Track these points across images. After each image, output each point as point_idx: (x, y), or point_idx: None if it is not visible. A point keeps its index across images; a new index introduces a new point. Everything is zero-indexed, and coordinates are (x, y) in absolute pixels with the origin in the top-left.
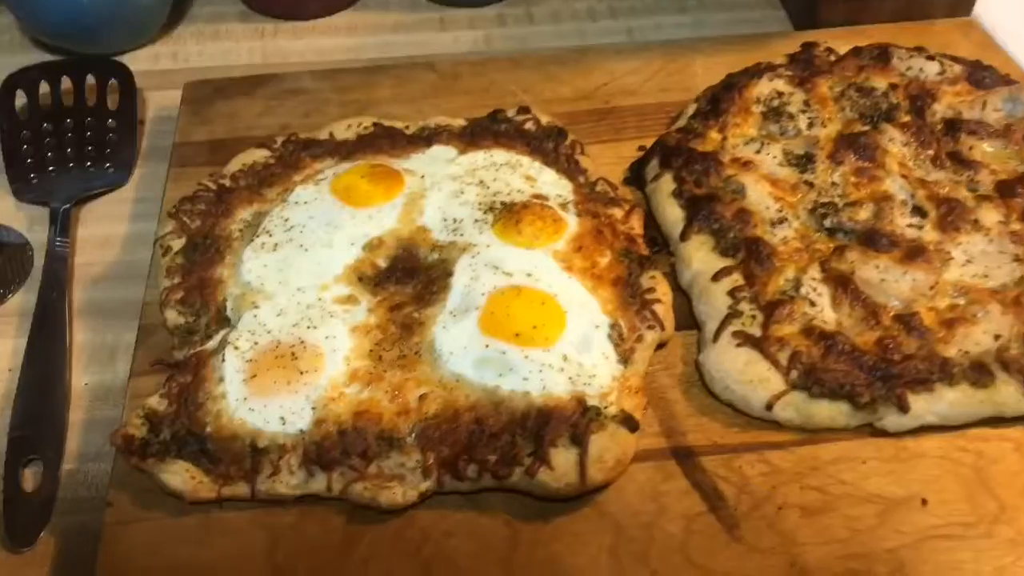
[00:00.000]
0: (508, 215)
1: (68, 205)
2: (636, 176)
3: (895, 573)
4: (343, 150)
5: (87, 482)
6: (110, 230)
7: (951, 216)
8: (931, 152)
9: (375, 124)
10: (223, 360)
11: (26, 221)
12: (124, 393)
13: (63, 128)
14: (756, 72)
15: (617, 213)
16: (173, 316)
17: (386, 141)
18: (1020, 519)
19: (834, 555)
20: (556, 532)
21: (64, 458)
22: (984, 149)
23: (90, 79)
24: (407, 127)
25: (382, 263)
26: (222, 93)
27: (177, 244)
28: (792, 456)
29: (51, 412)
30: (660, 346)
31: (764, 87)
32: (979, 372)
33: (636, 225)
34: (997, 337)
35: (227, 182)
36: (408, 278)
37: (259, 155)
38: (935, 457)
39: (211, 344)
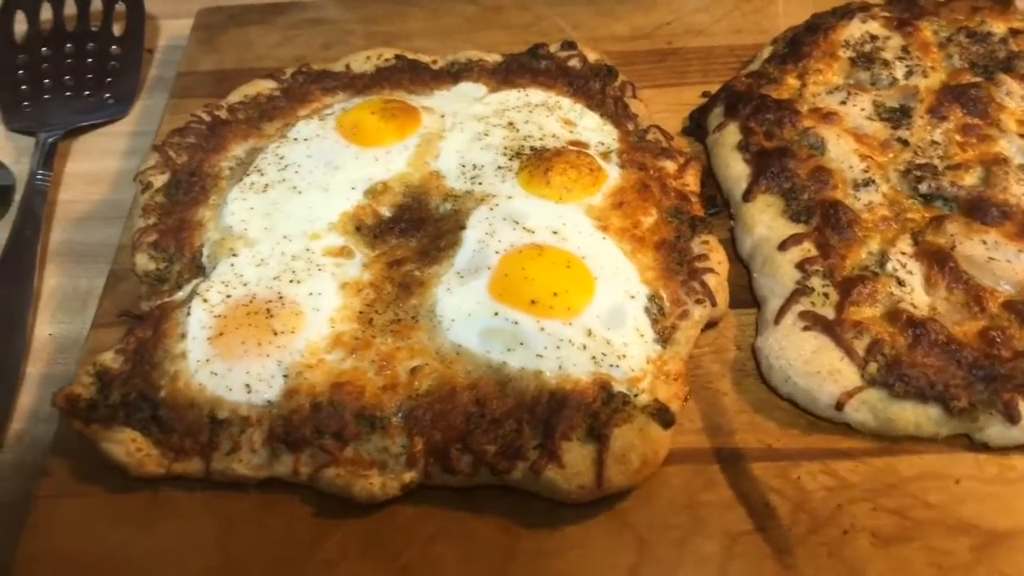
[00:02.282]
0: (537, 162)
1: (55, 136)
2: (697, 125)
3: None
4: (358, 84)
5: (34, 444)
6: (101, 166)
7: None
8: None
9: (397, 56)
10: (188, 314)
11: (13, 153)
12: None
13: (63, 54)
14: (847, 12)
15: (669, 166)
16: (144, 261)
17: (407, 75)
18: None
19: None
20: (563, 543)
21: (13, 416)
22: None
23: (96, 2)
24: (435, 61)
25: (386, 212)
26: (236, 20)
27: (159, 180)
28: (865, 468)
29: (4, 364)
30: (710, 325)
31: (855, 29)
32: None
33: (691, 181)
34: None
35: (223, 114)
36: (414, 230)
37: (264, 86)
38: None
39: (180, 295)
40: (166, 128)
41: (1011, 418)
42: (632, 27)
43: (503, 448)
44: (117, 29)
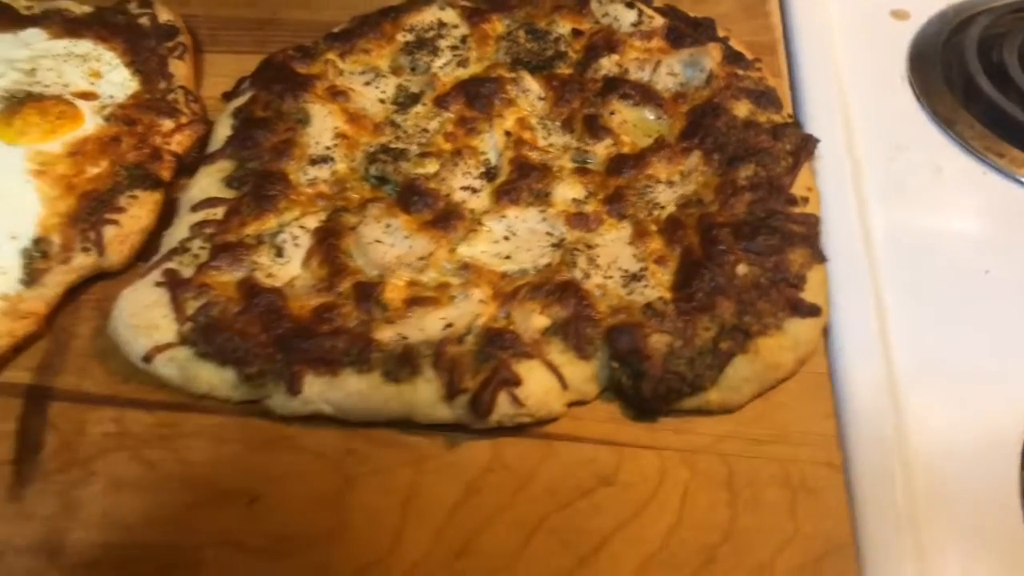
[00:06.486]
0: (12, 106)
1: None
2: (236, 92)
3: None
4: None
5: None
6: None
7: (517, 184)
8: (566, 112)
9: None
10: None
11: None
12: None
13: None
14: None
15: (167, 125)
16: None
17: None
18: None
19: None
20: None
21: None
22: (627, 116)
23: None
24: (30, 7)
25: None
26: None
27: None
28: (150, 419)
29: None
30: (111, 275)
31: (429, 15)
32: (401, 363)
33: (183, 141)
34: (449, 326)
35: None
36: None
37: None
38: (313, 453)
39: None
40: None
41: (292, 389)
42: None
43: None
44: None
